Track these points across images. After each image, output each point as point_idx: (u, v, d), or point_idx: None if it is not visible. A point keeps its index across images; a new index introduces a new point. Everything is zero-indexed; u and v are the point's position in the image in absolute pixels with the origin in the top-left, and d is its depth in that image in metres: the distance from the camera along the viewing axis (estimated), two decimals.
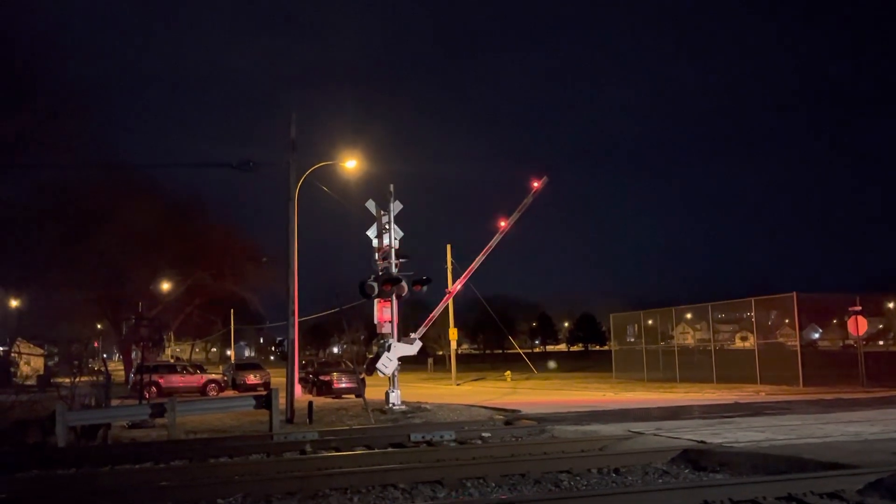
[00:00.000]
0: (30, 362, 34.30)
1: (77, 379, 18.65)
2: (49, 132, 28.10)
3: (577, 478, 9.41)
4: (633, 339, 42.06)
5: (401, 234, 21.40)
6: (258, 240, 50.51)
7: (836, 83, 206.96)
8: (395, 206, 21.38)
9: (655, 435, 12.44)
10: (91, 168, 30.13)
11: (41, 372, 32.59)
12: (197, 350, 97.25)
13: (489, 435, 13.83)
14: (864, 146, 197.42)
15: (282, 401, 17.77)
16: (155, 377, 32.56)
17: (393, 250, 21.12)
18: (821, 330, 44.77)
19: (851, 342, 31.63)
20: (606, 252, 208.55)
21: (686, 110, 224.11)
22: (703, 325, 40.43)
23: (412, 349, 21.52)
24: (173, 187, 45.91)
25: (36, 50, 29.50)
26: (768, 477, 8.42)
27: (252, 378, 36.64)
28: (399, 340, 21.05)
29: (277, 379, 33.15)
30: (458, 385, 39.22)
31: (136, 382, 27.38)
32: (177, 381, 34.04)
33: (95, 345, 43.04)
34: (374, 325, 21.23)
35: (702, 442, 11.27)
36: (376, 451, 12.36)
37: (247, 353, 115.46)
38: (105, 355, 48.92)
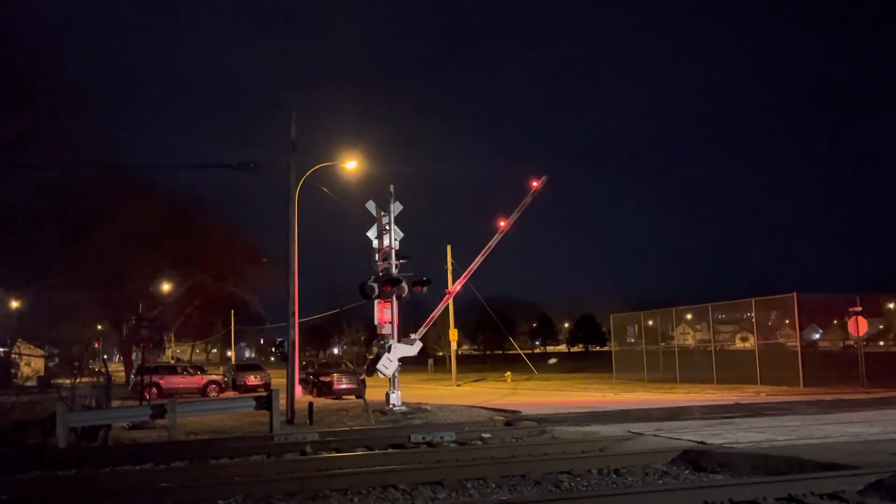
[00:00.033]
0: (30, 363, 34.27)
1: (77, 380, 18.64)
2: (49, 132, 28.12)
3: (578, 478, 9.42)
4: (633, 340, 42.07)
5: (401, 234, 21.41)
6: (258, 240, 50.60)
7: (836, 83, 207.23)
8: (396, 207, 21.39)
9: (655, 436, 12.44)
10: (91, 168, 30.14)
11: (41, 373, 32.53)
12: (197, 351, 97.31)
13: (489, 436, 13.84)
14: (864, 146, 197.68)
15: (282, 402, 17.78)
16: (155, 378, 32.58)
17: (393, 251, 21.12)
18: (821, 330, 44.77)
19: (852, 343, 31.64)
20: (606, 252, 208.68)
21: (686, 110, 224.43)
22: (704, 326, 40.48)
23: (412, 350, 21.52)
24: (173, 188, 46.09)
25: (36, 50, 29.55)
26: (768, 478, 8.42)
27: (252, 379, 36.67)
28: (399, 341, 21.05)
29: (278, 380, 33.16)
30: (458, 386, 39.23)
31: (137, 383, 27.39)
32: (177, 382, 34.06)
33: (96, 346, 43.06)
34: (375, 326, 21.23)
35: (702, 443, 11.27)
36: (377, 452, 12.37)
37: (247, 354, 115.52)
38: (105, 356, 49.03)
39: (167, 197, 42.34)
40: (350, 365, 31.23)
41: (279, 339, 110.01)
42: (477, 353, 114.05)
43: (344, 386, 29.82)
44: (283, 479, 9.35)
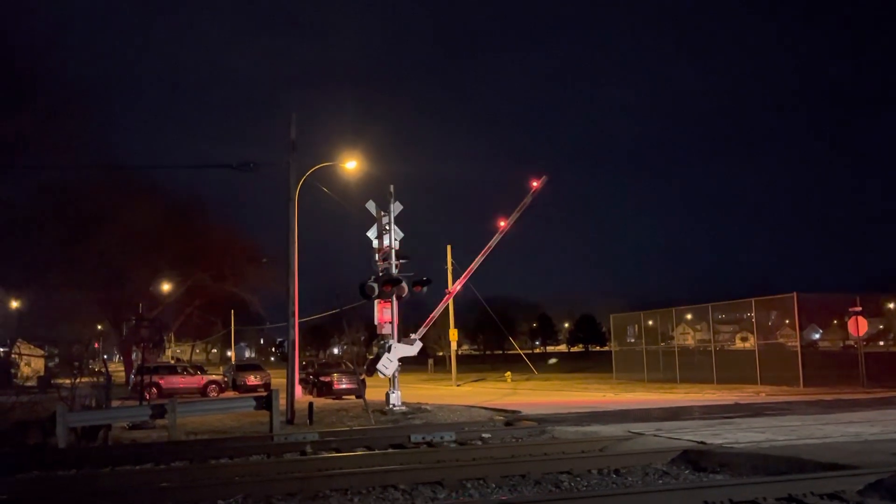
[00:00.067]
0: (30, 363, 34.26)
1: (77, 380, 18.64)
2: (49, 132, 28.15)
3: (578, 479, 9.42)
4: (633, 340, 42.08)
5: (401, 234, 21.41)
6: (258, 240, 50.61)
7: (836, 83, 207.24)
8: (396, 207, 21.39)
9: (655, 436, 12.44)
10: (91, 169, 30.17)
11: (42, 373, 32.52)
12: (197, 351, 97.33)
13: (489, 436, 13.84)
14: (864, 146, 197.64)
15: (282, 402, 17.78)
16: (155, 378, 32.57)
17: (393, 251, 21.12)
18: (821, 330, 44.78)
19: (852, 343, 31.64)
20: (606, 252, 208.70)
21: (686, 110, 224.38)
22: (704, 326, 40.48)
23: (412, 350, 21.52)
24: (173, 188, 46.01)
25: (36, 50, 29.60)
26: (768, 478, 8.42)
27: (252, 379, 36.67)
28: (399, 341, 21.05)
29: (278, 380, 33.16)
30: (458, 386, 39.23)
31: (137, 383, 27.39)
32: (177, 382, 34.06)
33: (96, 346, 43.07)
34: (375, 326, 21.23)
35: (702, 443, 11.27)
36: (377, 452, 12.37)
37: (247, 354, 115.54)
38: (105, 356, 49.02)
39: (167, 197, 42.41)
40: (350, 365, 31.24)
41: (279, 339, 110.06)
42: (477, 353, 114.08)
43: (344, 386, 29.83)
44: (283, 479, 9.35)
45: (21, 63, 28.00)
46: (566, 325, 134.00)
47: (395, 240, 21.20)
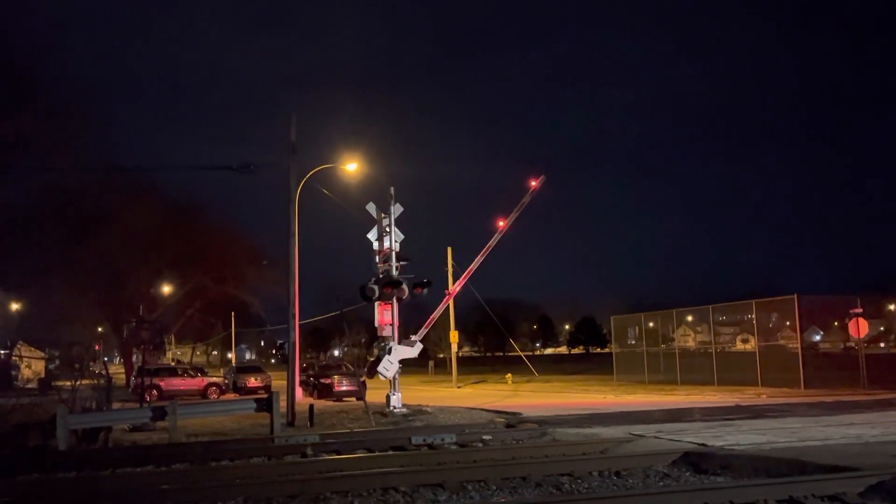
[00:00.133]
0: (31, 365, 34.26)
1: (78, 382, 18.62)
2: (49, 132, 28.16)
3: (579, 481, 9.42)
4: (633, 342, 42.06)
5: (401, 236, 21.40)
6: (258, 242, 50.46)
7: (835, 83, 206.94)
8: (396, 209, 21.38)
9: (656, 437, 12.44)
10: (91, 170, 30.17)
11: (42, 375, 32.54)
12: (198, 353, 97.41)
13: (490, 438, 13.84)
14: (864, 146, 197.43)
15: (283, 404, 17.78)
16: (156, 380, 32.57)
17: (393, 253, 21.12)
18: (822, 332, 44.81)
19: (852, 344, 31.63)
20: (606, 252, 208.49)
21: (686, 110, 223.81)
22: (704, 328, 40.43)
23: (413, 352, 21.52)
24: (173, 189, 45.92)
25: (36, 50, 29.61)
26: (769, 479, 8.42)
27: (253, 381, 36.66)
28: (400, 343, 21.05)
29: (278, 382, 33.16)
30: (458, 388, 39.22)
31: (137, 385, 27.39)
32: (178, 384, 34.05)
33: (96, 348, 42.99)
34: (375, 328, 21.23)
35: (703, 444, 11.28)
36: (377, 454, 12.38)
37: (247, 356, 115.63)
38: (106, 358, 49.04)
39: (167, 198, 42.32)
40: (350, 367, 31.20)
41: (280, 341, 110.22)
42: (477, 354, 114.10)
43: (344, 388, 29.80)
44: (283, 481, 9.35)
45: (21, 63, 28.04)
46: (566, 326, 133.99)
47: (396, 242, 21.20)
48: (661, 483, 9.30)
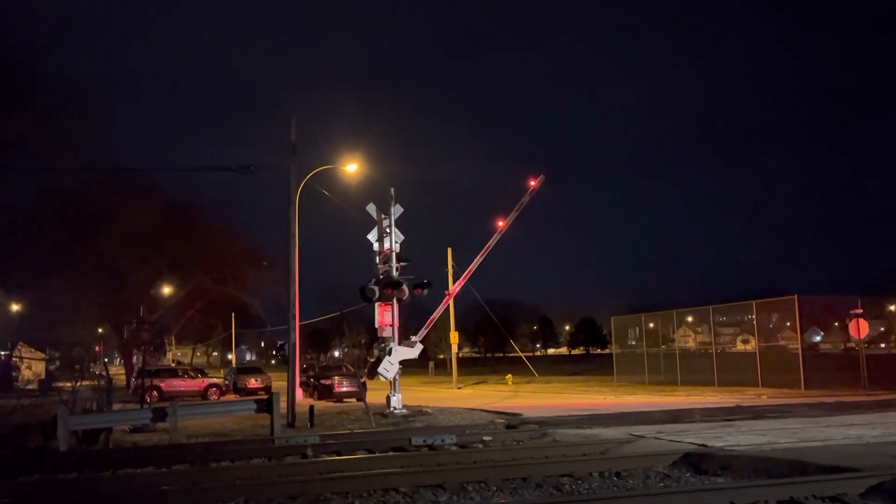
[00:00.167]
0: (31, 366, 34.30)
1: (78, 383, 18.64)
2: (49, 133, 28.14)
3: (579, 481, 9.42)
4: (634, 342, 42.07)
5: (401, 237, 21.40)
6: (259, 242, 50.49)
7: (835, 83, 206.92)
8: (396, 210, 21.39)
9: (657, 438, 12.44)
10: (91, 170, 30.17)
11: (42, 376, 32.57)
12: (198, 354, 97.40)
13: (490, 438, 13.84)
14: (864, 146, 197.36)
15: (283, 405, 17.77)
16: (156, 381, 32.55)
17: (394, 254, 21.12)
18: (822, 332, 44.80)
19: (853, 345, 31.63)
20: (606, 253, 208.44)
21: (686, 110, 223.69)
22: (705, 328, 40.45)
23: (413, 352, 21.52)
24: (173, 190, 45.89)
25: (36, 50, 29.59)
26: (770, 480, 8.42)
27: (253, 382, 36.69)
28: (400, 344, 21.05)
29: (278, 383, 33.16)
30: (459, 388, 39.22)
31: (138, 386, 27.39)
32: (178, 385, 34.05)
33: (97, 349, 43.03)
34: (375, 329, 21.23)
35: (703, 445, 11.27)
36: (377, 454, 12.38)
37: (248, 357, 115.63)
38: (106, 359, 49.04)
39: (167, 198, 42.32)
40: (351, 368, 31.18)
41: (280, 342, 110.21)
42: (478, 355, 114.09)
43: (345, 389, 29.80)
44: (284, 482, 9.35)
45: (21, 63, 28.02)
46: (567, 327, 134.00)
47: (396, 242, 21.20)
48: (662, 484, 9.30)
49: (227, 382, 37.42)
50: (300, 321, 22.75)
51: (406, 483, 9.17)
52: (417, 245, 27.45)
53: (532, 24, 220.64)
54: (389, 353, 20.67)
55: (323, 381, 31.58)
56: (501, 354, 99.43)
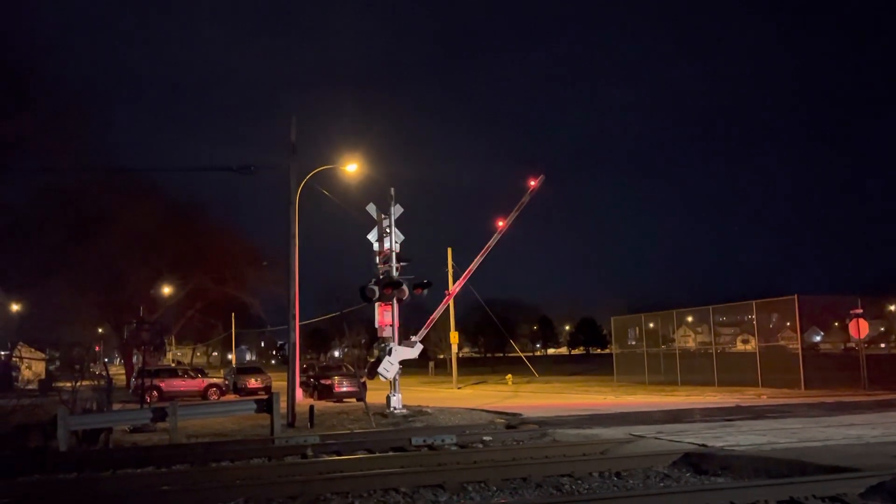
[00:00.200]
0: (31, 366, 34.29)
1: (78, 383, 18.64)
2: (49, 133, 28.13)
3: (579, 482, 9.42)
4: (634, 343, 42.07)
5: (401, 237, 21.40)
6: (259, 242, 50.51)
7: (835, 83, 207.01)
8: (396, 210, 21.39)
9: (657, 438, 12.44)
10: (91, 171, 30.17)
11: (42, 376, 32.57)
12: (198, 354, 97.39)
13: (490, 438, 13.84)
14: (864, 146, 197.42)
15: (283, 405, 17.77)
16: (156, 381, 32.56)
17: (394, 254, 21.13)
18: (822, 332, 44.81)
19: (853, 345, 31.63)
20: (606, 253, 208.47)
21: (686, 110, 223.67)
22: (705, 328, 40.46)
23: (413, 352, 21.52)
24: (173, 190, 45.89)
25: (36, 50, 29.58)
26: (770, 480, 8.42)
27: (253, 382, 36.70)
28: (400, 344, 21.05)
29: (278, 383, 33.16)
30: (459, 388, 39.22)
31: (138, 386, 27.40)
32: (178, 385, 34.06)
33: (97, 349, 43.03)
34: (375, 329, 21.23)
35: (703, 445, 11.27)
36: (377, 454, 12.38)
37: (248, 357, 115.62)
38: (106, 359, 49.04)
39: (167, 199, 42.32)
40: (351, 368, 31.19)
41: (280, 342, 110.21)
42: (478, 355, 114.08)
43: (345, 389, 29.80)
44: (283, 482, 9.35)
45: (21, 63, 28.01)
46: (567, 327, 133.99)
47: (396, 242, 21.20)
48: (662, 484, 9.30)
49: (227, 382, 37.42)
50: (300, 321, 22.75)
51: (406, 483, 9.17)
52: (417, 245, 27.50)
53: (532, 24, 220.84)
54: (389, 353, 20.67)
55: (323, 381, 31.58)
56: (501, 354, 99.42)
